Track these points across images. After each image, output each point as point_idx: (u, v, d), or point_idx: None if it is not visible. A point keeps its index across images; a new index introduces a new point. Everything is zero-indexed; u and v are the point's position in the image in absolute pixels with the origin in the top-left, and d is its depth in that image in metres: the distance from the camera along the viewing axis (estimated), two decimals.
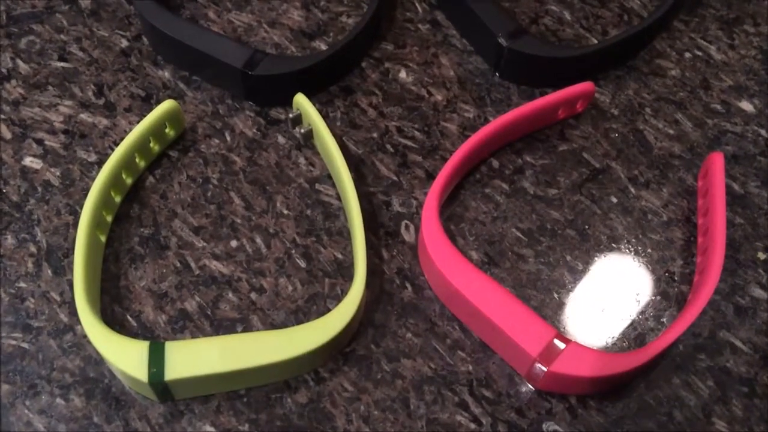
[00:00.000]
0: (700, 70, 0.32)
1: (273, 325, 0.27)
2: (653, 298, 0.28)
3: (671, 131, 0.31)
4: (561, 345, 0.25)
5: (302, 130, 0.30)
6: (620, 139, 0.31)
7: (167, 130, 0.29)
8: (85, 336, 0.25)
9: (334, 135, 0.29)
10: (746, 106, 0.31)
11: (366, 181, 0.30)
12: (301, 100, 0.29)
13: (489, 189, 0.29)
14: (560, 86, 0.30)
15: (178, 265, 0.27)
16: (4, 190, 0.29)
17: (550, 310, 0.27)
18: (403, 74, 0.32)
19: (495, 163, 0.30)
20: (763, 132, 0.31)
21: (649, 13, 0.34)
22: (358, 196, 0.27)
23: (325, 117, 0.31)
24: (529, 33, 0.31)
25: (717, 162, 0.28)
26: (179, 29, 0.30)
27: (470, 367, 0.26)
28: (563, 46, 0.33)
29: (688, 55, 0.33)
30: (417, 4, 0.34)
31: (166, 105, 0.29)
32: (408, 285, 0.27)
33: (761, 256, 0.28)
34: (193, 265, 0.27)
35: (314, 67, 0.30)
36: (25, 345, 0.26)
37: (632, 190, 0.30)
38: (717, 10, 0.34)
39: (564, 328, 0.27)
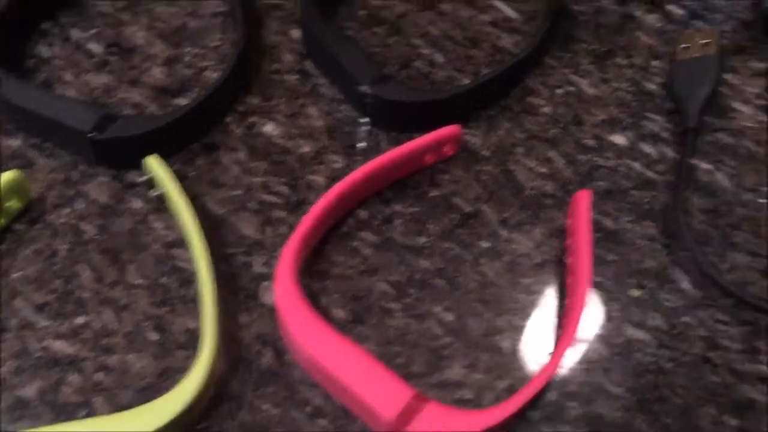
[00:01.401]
0: (573, 105, 0.32)
1: (119, 407, 0.25)
2: (524, 345, 0.27)
3: (543, 170, 0.30)
4: (419, 406, 0.23)
5: (155, 194, 0.29)
6: (492, 181, 0.30)
7: (11, 203, 0.28)
8: None
9: (193, 195, 0.29)
10: (618, 139, 0.31)
11: (226, 242, 0.28)
12: (151, 163, 0.28)
13: (357, 242, 0.28)
14: (431, 130, 0.29)
15: (17, 348, 0.26)
16: None
17: (417, 367, 0.26)
18: (269, 127, 0.31)
19: (363, 214, 0.29)
20: (635, 165, 0.30)
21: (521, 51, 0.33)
22: (213, 259, 0.26)
23: (184, 177, 0.30)
24: (395, 78, 0.31)
25: (583, 200, 0.28)
26: (24, 94, 0.29)
27: None
28: (427, 89, 0.32)
29: (560, 91, 0.32)
30: (285, 55, 0.33)
31: (8, 176, 0.27)
32: (268, 351, 0.26)
33: (635, 293, 0.28)
34: (34, 346, 0.26)
35: (169, 126, 0.29)
36: None
37: (503, 233, 0.29)
38: (589, 44, 0.34)
39: (429, 385, 0.26)
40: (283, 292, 0.25)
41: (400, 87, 0.31)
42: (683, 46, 0.33)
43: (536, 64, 0.33)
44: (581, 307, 0.25)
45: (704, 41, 0.32)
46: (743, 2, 0.35)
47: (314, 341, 0.24)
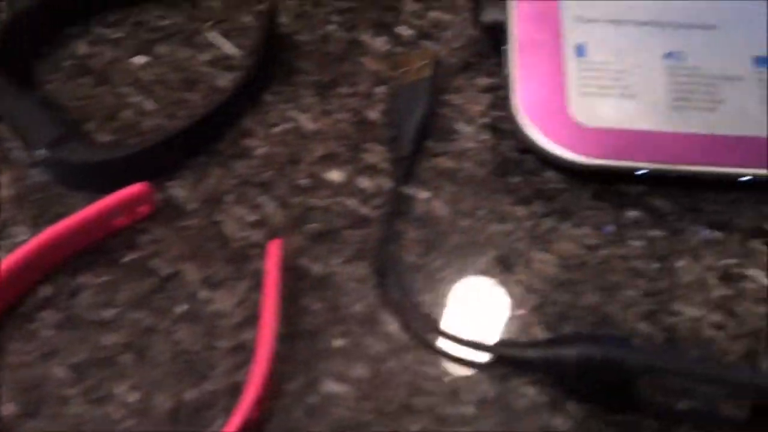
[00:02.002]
0: (291, 143, 0.30)
1: None
2: (214, 415, 0.24)
3: (252, 218, 0.28)
4: None
5: None
6: (196, 236, 0.28)
7: None
8: None
9: None
10: (335, 176, 0.29)
11: None
12: None
13: (36, 323, 0.26)
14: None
15: None
16: None
17: None
18: None
19: (46, 290, 0.27)
20: (350, 202, 0.29)
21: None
22: None
23: None
24: (77, 137, 0.28)
25: (272, 251, 0.26)
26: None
27: None
28: (112, 145, 0.30)
29: (277, 129, 0.31)
30: None
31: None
32: None
33: (337, 342, 0.27)
34: None
35: None
36: None
37: (204, 293, 0.27)
38: (312, 75, 0.32)
39: None
40: None
41: (81, 146, 0.28)
42: (403, 70, 0.32)
43: (251, 102, 0.31)
44: (262, 369, 0.24)
45: (421, 63, 0.31)
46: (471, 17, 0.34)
47: None
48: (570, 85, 0.29)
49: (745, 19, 0.30)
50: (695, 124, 0.28)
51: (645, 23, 0.30)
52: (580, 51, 0.30)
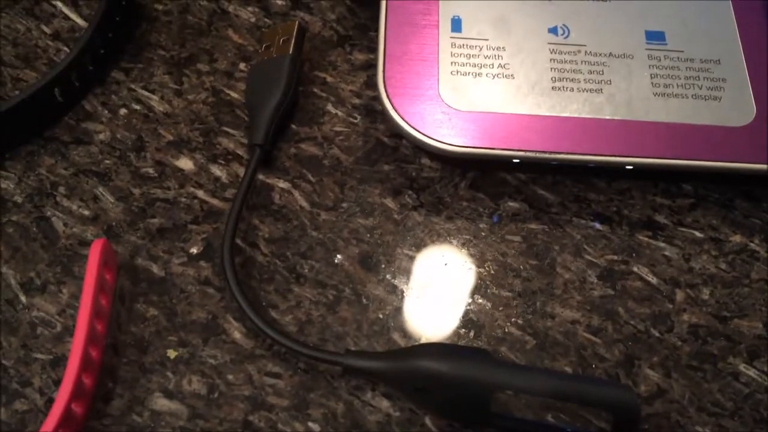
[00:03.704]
0: (137, 127, 0.27)
1: None
2: None
3: (86, 212, 0.25)
4: None
5: None
6: (20, 234, 0.25)
7: None
8: None
9: None
10: (185, 163, 0.26)
11: None
12: None
13: None
14: None
15: None
16: None
17: None
18: None
19: None
20: (199, 193, 0.26)
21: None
22: None
23: None
24: None
25: (92, 252, 0.23)
26: None
27: None
28: None
29: (123, 111, 0.27)
30: None
31: None
32: None
33: (172, 354, 0.24)
34: None
35: None
36: None
37: (23, 299, 0.24)
38: (167, 50, 0.29)
39: None
40: None
41: None
42: (266, 45, 0.28)
43: (95, 80, 0.28)
44: (68, 387, 0.21)
45: (284, 38, 0.28)
46: None
47: None
48: (442, 63, 0.26)
49: None
50: (578, 107, 0.25)
51: None
52: (455, 25, 0.27)
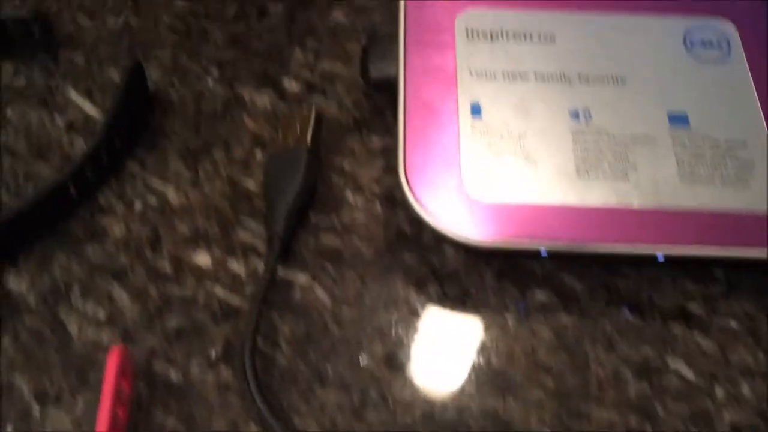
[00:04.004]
0: (152, 221, 0.26)
1: None
2: None
3: (101, 314, 0.24)
4: None
5: None
6: (33, 338, 0.24)
7: None
8: None
9: None
10: (202, 259, 0.26)
11: None
12: None
13: None
14: None
15: None
16: None
17: None
18: None
19: None
20: (218, 290, 0.25)
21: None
22: None
23: None
24: None
25: (110, 362, 0.22)
26: None
27: None
28: None
29: (139, 205, 0.27)
30: None
31: None
32: None
33: None
34: None
35: None
36: None
37: (37, 410, 0.23)
38: (182, 138, 0.28)
39: None
40: None
41: None
42: (283, 133, 0.28)
43: (110, 172, 0.27)
44: None
45: (302, 127, 0.27)
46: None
47: None
48: (463, 151, 0.25)
49: (658, 70, 0.28)
50: (604, 196, 0.25)
51: (547, 77, 0.27)
52: (474, 111, 0.27)
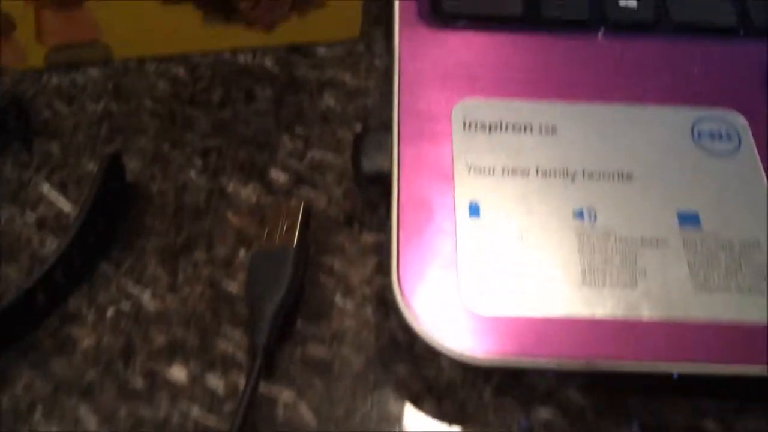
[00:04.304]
0: (125, 330, 0.24)
1: None
2: None
3: None
4: None
5: None
6: None
7: None
8: None
9: None
10: (178, 373, 0.24)
11: None
12: None
13: None
14: None
15: None
16: None
17: None
18: None
19: None
20: (194, 410, 0.23)
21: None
22: None
23: None
24: None
25: None
26: None
27: None
28: None
29: (111, 311, 0.25)
30: None
31: None
32: None
33: None
34: None
35: None
36: None
37: None
38: (162, 236, 0.27)
39: None
40: None
41: None
42: (268, 229, 0.26)
43: (82, 275, 0.25)
44: None
45: (289, 223, 0.26)
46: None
47: None
48: (461, 257, 0.24)
49: (666, 165, 0.26)
50: (612, 306, 0.23)
51: (549, 172, 0.25)
52: (473, 211, 0.25)
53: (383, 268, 0.26)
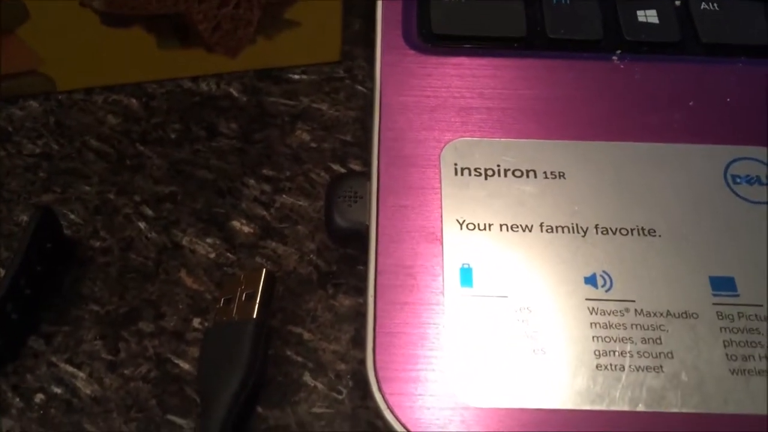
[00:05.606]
0: (55, 421, 0.21)
1: None
2: None
3: None
4: None
5: None
6: None
7: None
8: None
9: None
10: None
11: None
12: None
13: None
14: None
15: None
16: None
17: None
18: None
19: None
20: None
21: None
22: None
23: None
24: None
25: None
26: None
27: None
28: None
29: (40, 397, 0.21)
30: None
31: None
32: None
33: None
34: None
35: None
36: None
37: None
38: (102, 304, 0.23)
39: None
40: None
41: None
42: (225, 298, 0.22)
43: (7, 354, 0.21)
44: None
45: (249, 291, 0.22)
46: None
47: None
48: (450, 336, 0.20)
49: (696, 217, 0.21)
50: (633, 396, 0.19)
51: (556, 228, 0.21)
52: (465, 277, 0.21)
53: (361, 339, 0.23)
